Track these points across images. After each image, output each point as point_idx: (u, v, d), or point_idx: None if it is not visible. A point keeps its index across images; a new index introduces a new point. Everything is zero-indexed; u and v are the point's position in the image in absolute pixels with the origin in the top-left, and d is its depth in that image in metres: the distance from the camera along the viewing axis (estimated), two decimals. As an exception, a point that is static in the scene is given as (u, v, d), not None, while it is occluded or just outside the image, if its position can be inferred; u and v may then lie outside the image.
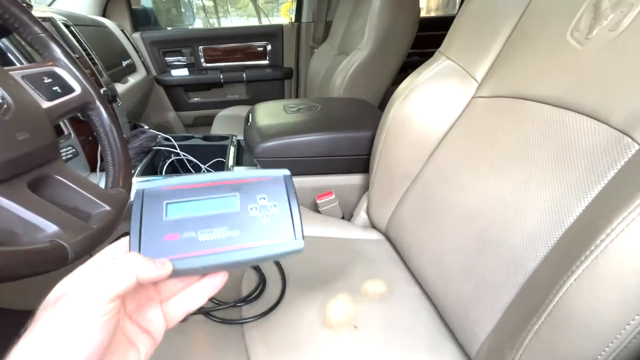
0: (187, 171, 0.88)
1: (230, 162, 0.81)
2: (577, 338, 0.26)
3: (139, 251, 0.23)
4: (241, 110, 1.47)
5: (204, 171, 0.87)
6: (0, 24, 0.47)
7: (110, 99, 0.84)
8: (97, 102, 0.44)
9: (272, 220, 0.25)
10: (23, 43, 0.60)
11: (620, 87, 0.34)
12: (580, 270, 0.27)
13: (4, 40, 0.54)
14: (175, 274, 0.23)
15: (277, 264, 0.55)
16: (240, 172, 0.27)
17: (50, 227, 0.29)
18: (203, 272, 0.25)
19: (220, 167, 0.86)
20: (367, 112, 0.82)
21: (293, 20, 1.64)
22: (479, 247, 0.42)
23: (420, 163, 0.59)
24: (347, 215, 0.76)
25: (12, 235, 0.28)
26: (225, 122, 1.39)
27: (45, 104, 0.37)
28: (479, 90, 0.53)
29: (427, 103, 0.58)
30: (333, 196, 0.72)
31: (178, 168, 0.87)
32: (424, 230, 0.53)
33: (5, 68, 0.35)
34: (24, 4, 0.69)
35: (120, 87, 1.07)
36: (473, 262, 0.43)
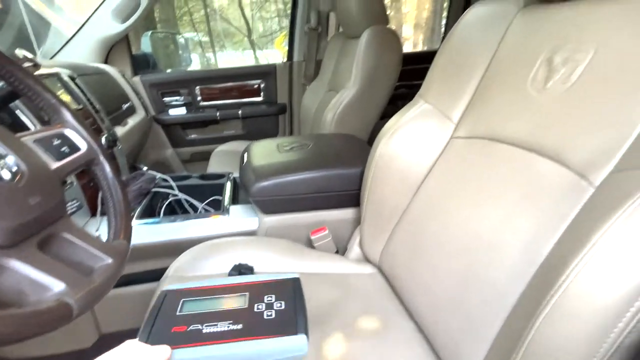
0: (185, 211, 0.91)
1: (227, 200, 0.84)
2: (552, 373, 0.28)
3: (147, 340, 0.27)
4: (238, 146, 1.52)
5: (200, 210, 0.90)
6: (12, 90, 0.52)
7: (110, 145, 0.88)
8: (101, 158, 0.47)
9: (276, 316, 0.28)
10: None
11: (574, 134, 0.38)
12: (548, 307, 0.29)
13: (17, 102, 0.59)
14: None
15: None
16: (256, 276, 0.31)
17: (57, 285, 0.31)
18: None
19: (217, 205, 0.88)
20: (356, 148, 0.86)
21: (285, 55, 1.74)
22: (466, 282, 0.44)
23: (407, 198, 0.62)
24: (342, 250, 0.78)
25: (21, 294, 0.30)
26: (222, 158, 1.43)
27: (54, 165, 0.40)
28: (456, 131, 0.57)
29: (411, 142, 0.62)
30: (327, 231, 0.74)
31: (176, 209, 0.89)
32: (415, 263, 0.55)
33: (18, 135, 0.39)
34: (32, 63, 0.75)
35: (120, 130, 1.12)
36: (461, 295, 0.44)
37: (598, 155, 0.35)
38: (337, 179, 0.75)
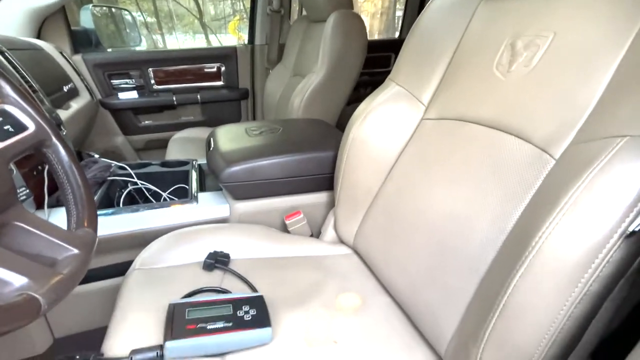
0: (147, 200, 0.84)
1: (194, 188, 0.80)
2: (525, 328, 0.31)
3: (171, 335, 0.42)
4: (197, 132, 1.44)
5: (164, 199, 0.84)
6: None
7: (55, 129, 0.79)
8: (54, 139, 0.42)
9: (252, 317, 0.46)
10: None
11: (537, 112, 0.41)
12: (521, 269, 0.32)
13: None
14: (190, 350, 0.42)
15: (253, 288, 0.55)
16: (234, 294, 0.52)
17: (18, 279, 0.27)
18: (209, 348, 0.43)
19: (182, 193, 0.84)
20: (327, 132, 0.86)
21: (243, 40, 1.66)
22: (441, 256, 0.47)
23: (380, 180, 0.64)
24: (316, 233, 0.79)
25: (-26, 292, 0.26)
26: (181, 145, 1.35)
27: (-2, 146, 0.34)
28: (427, 113, 0.59)
29: (383, 125, 0.63)
30: (301, 215, 0.74)
31: (136, 198, 0.83)
32: (390, 242, 0.57)
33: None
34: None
35: (63, 114, 1.00)
36: (435, 269, 0.47)
37: (557, 130, 0.38)
38: (310, 162, 0.75)
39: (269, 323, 0.45)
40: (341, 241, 0.73)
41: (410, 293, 0.51)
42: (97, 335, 0.47)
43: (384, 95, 0.64)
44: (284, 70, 1.43)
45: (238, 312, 0.46)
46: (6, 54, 0.78)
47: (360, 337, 0.49)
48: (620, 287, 0.29)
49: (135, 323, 0.47)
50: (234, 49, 1.58)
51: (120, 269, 0.62)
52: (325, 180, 0.77)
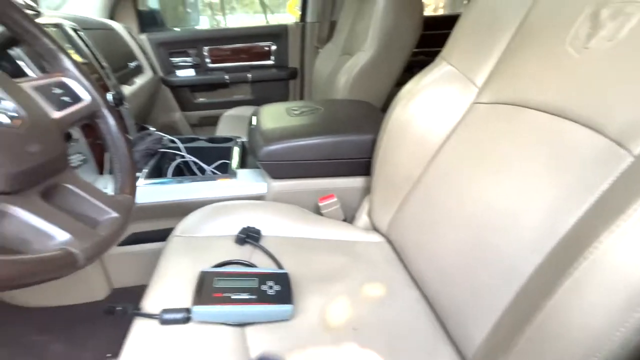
0: (192, 173, 0.90)
1: (234, 164, 0.82)
2: (566, 347, 0.27)
3: (199, 300, 0.44)
4: (246, 111, 1.49)
5: (208, 173, 0.89)
6: (11, 36, 0.49)
7: (117, 102, 0.86)
8: (104, 110, 0.46)
9: (275, 293, 0.47)
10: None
11: (617, 97, 0.34)
12: (571, 282, 0.27)
13: (17, 49, 0.56)
14: (214, 316, 0.44)
15: (279, 265, 0.56)
16: (260, 268, 0.54)
17: (62, 235, 0.30)
18: (232, 317, 0.45)
19: (225, 168, 0.87)
20: (369, 114, 0.83)
21: (299, 17, 1.64)
22: (476, 252, 0.43)
23: (421, 167, 0.59)
24: (349, 218, 0.77)
25: (25, 243, 0.30)
26: (231, 122, 1.41)
27: (55, 114, 0.38)
28: (479, 96, 0.53)
29: (428, 107, 0.58)
30: (335, 199, 0.73)
31: (184, 170, 0.89)
32: (424, 233, 0.54)
33: (16, 80, 0.37)
34: (34, 12, 0.71)
35: (127, 89, 1.09)
36: (470, 266, 0.43)
37: (641, 121, 0.31)
38: (348, 145, 0.73)
39: (290, 300, 0.46)
40: (374, 229, 0.70)
41: (440, 289, 0.48)
42: (144, 291, 0.51)
43: (432, 75, 0.59)
44: (333, 49, 1.39)
45: (262, 287, 0.47)
46: (80, 33, 0.86)
47: (381, 328, 0.47)
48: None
49: (169, 285, 0.50)
50: (285, 27, 1.57)
51: (164, 234, 0.67)
52: (362, 165, 0.75)
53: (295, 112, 0.84)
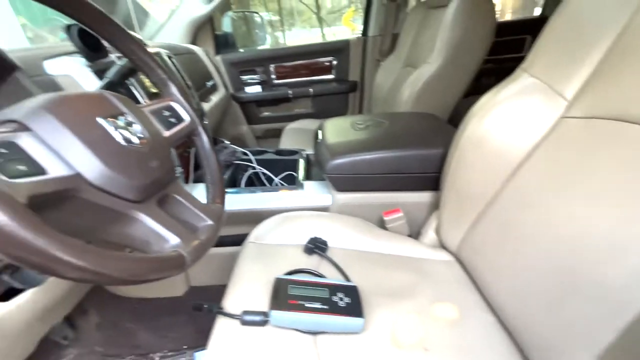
0: (261, 182, 0.96)
1: (301, 176, 0.86)
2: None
3: (276, 305, 0.47)
4: (308, 124, 1.55)
5: (275, 184, 0.95)
6: (132, 67, 0.59)
7: (200, 119, 0.97)
8: (200, 129, 0.52)
9: (346, 305, 0.48)
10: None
11: None
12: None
13: (132, 79, 0.67)
14: (289, 322, 0.47)
15: (347, 278, 0.57)
16: (330, 279, 0.54)
17: (174, 239, 0.35)
18: (305, 325, 0.47)
19: (291, 180, 0.92)
20: (437, 128, 0.81)
21: (354, 30, 1.68)
22: (569, 284, 0.39)
23: (496, 185, 0.56)
24: (415, 234, 0.76)
25: (146, 244, 0.35)
26: (293, 135, 1.48)
27: (166, 133, 0.45)
28: (569, 110, 0.49)
29: (507, 122, 0.55)
30: (401, 213, 0.72)
31: (254, 180, 0.95)
32: (502, 257, 0.51)
33: (139, 105, 0.44)
34: (143, 44, 0.84)
35: (205, 106, 1.21)
36: (561, 299, 0.40)
37: None
38: (415, 160, 0.72)
39: (362, 314, 0.47)
40: (442, 246, 0.68)
41: (522, 318, 0.45)
42: (221, 290, 0.56)
43: (512, 87, 0.56)
44: (395, 61, 1.39)
45: (333, 297, 0.49)
46: (172, 59, 0.99)
47: (455, 352, 0.45)
48: None
49: (246, 288, 0.55)
50: (346, 43, 1.62)
51: (238, 239, 0.73)
52: (430, 180, 0.73)
53: (360, 126, 0.85)
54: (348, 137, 0.80)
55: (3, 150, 0.25)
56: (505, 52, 1.37)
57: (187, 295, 0.90)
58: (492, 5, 0.97)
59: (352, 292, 0.50)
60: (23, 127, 0.28)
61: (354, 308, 0.48)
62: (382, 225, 0.75)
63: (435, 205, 0.75)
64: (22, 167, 0.25)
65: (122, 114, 0.37)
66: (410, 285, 0.57)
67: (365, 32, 1.65)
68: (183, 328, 0.87)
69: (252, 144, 1.81)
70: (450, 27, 0.97)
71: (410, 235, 0.75)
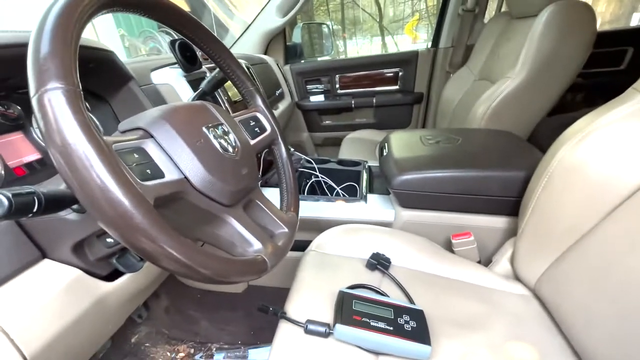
0: (323, 192, 0.98)
1: (364, 189, 0.86)
2: None
3: (341, 319, 0.46)
4: (368, 134, 1.54)
5: (336, 193, 0.95)
6: (221, 78, 0.64)
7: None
8: (279, 139, 0.54)
9: (412, 329, 0.46)
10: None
11: None
12: None
13: (218, 90, 0.73)
14: (353, 338, 0.46)
15: (411, 300, 0.55)
16: (395, 300, 0.52)
17: (257, 243, 0.37)
18: (369, 344, 0.46)
19: (352, 191, 0.92)
20: (518, 148, 0.74)
21: (416, 38, 1.63)
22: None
23: (594, 219, 0.50)
24: (484, 260, 0.70)
25: (232, 246, 0.38)
26: (353, 145, 1.48)
27: (252, 142, 0.48)
28: (700, 140, 0.42)
29: (612, 149, 0.49)
30: (472, 237, 0.68)
31: (316, 189, 0.97)
32: (598, 300, 0.45)
33: (232, 115, 0.48)
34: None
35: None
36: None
37: None
38: (493, 181, 0.67)
39: (429, 341, 0.45)
40: (517, 278, 0.62)
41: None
42: (277, 292, 0.58)
43: (621, 110, 0.49)
44: (467, 74, 1.32)
45: (399, 320, 0.47)
46: (250, 69, 1.06)
47: (535, 401, 0.41)
48: None
49: (309, 296, 0.55)
50: (415, 54, 1.58)
51: (301, 246, 0.74)
52: (507, 204, 0.68)
53: (430, 141, 0.82)
54: (417, 152, 0.78)
55: (136, 156, 0.29)
56: (597, 65, 1.22)
57: (245, 293, 0.95)
58: (593, 14, 0.87)
59: (418, 316, 0.48)
60: (147, 134, 0.33)
61: (421, 334, 0.46)
62: (448, 247, 0.71)
63: (510, 232, 0.69)
64: (148, 171, 0.29)
65: (220, 123, 0.40)
66: (481, 317, 0.53)
67: (435, 42, 1.59)
68: (239, 324, 0.92)
69: (311, 151, 1.85)
70: (540, 38, 0.89)
71: (479, 262, 0.70)
